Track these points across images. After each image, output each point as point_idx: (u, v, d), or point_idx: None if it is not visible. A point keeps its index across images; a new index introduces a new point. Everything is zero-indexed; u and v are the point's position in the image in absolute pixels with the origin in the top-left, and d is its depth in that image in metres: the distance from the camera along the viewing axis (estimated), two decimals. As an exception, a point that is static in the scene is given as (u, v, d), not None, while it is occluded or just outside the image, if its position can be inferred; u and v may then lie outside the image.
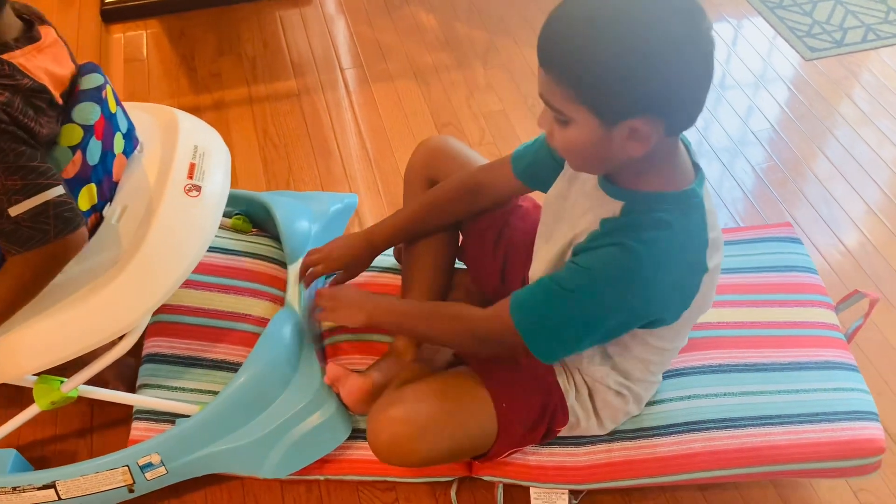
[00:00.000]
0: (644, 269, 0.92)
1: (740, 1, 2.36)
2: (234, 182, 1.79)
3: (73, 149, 1.05)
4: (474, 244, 1.34)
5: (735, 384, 1.26)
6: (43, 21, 1.08)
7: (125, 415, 1.29)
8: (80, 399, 1.19)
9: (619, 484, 1.23)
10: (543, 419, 1.14)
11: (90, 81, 1.10)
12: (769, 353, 1.30)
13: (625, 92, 0.82)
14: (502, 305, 1.02)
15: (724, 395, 1.24)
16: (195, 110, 1.97)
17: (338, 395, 1.24)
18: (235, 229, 1.51)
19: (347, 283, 1.32)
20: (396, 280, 1.44)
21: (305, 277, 1.33)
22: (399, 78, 2.10)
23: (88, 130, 1.06)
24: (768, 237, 1.53)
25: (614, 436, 1.22)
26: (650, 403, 1.24)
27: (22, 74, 0.99)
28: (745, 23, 2.30)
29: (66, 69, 1.07)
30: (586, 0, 0.83)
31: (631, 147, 0.87)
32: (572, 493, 1.25)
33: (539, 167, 1.16)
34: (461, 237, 1.37)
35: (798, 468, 1.20)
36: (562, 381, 1.15)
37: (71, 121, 1.05)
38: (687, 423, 1.21)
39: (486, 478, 1.25)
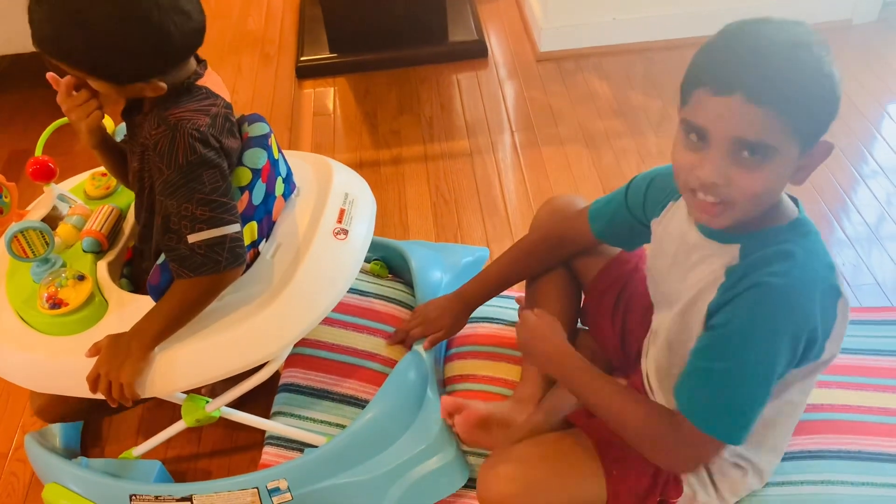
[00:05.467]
0: (784, 298, 0.89)
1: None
2: (406, 232, 1.89)
3: (242, 189, 1.14)
4: (594, 306, 1.33)
5: (876, 474, 1.17)
6: None
7: (259, 439, 1.36)
8: (221, 421, 1.27)
9: (742, 566, 1.17)
10: (655, 489, 1.11)
11: (258, 130, 1.20)
12: (917, 445, 1.21)
13: (823, 113, 0.85)
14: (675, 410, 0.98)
15: (864, 484, 1.16)
16: (374, 164, 2.10)
17: (456, 435, 1.26)
18: (373, 273, 1.59)
19: (545, 317, 1.19)
20: (500, 331, 1.48)
21: (406, 341, 1.39)
22: (569, 142, 2.13)
23: (256, 174, 1.16)
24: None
25: (740, 515, 1.16)
26: (779, 484, 1.17)
27: (215, 95, 1.10)
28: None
29: (227, 95, 1.16)
30: (780, 26, 0.85)
31: (799, 175, 0.89)
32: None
33: (617, 227, 1.20)
34: (583, 297, 1.37)
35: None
36: (676, 451, 1.12)
37: (242, 164, 1.15)
38: (820, 510, 1.15)
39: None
